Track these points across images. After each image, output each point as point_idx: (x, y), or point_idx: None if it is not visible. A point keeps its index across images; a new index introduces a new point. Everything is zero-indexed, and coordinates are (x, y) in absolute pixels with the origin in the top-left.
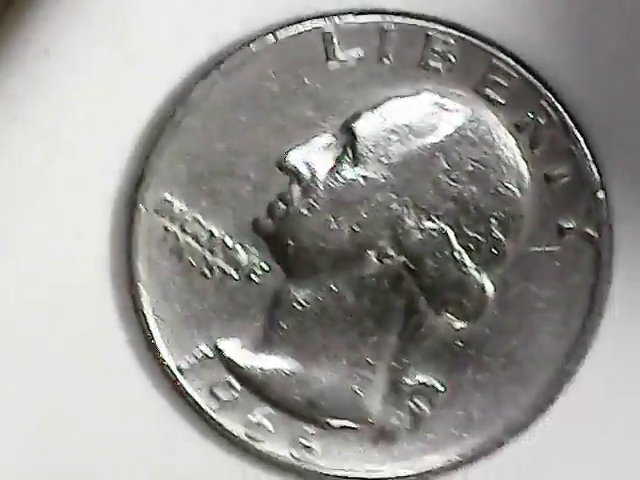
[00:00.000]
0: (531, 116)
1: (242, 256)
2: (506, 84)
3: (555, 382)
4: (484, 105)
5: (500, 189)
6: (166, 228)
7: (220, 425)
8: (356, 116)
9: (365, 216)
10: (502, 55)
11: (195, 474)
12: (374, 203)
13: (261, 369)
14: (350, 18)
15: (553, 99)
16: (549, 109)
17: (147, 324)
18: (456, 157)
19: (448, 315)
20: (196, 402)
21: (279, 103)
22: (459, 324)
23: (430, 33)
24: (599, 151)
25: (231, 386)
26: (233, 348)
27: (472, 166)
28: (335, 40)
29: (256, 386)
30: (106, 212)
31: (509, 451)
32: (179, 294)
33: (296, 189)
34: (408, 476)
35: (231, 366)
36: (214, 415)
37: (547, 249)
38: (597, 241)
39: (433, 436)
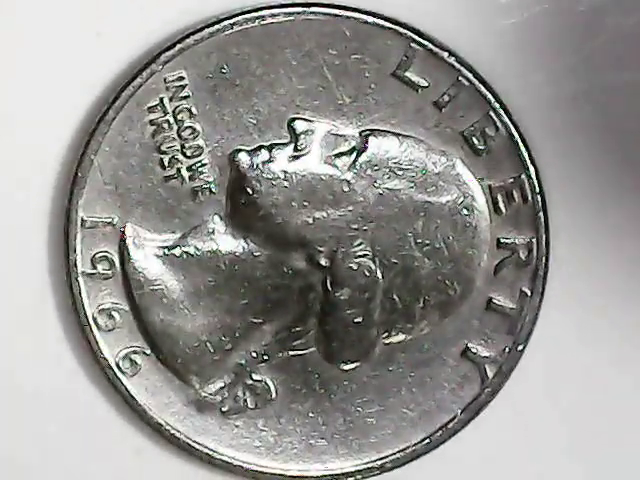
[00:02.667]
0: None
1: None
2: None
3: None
4: (482, 194)
5: (448, 282)
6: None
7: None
8: (377, 131)
9: (324, 217)
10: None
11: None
12: (341, 212)
13: (154, 282)
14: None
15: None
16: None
17: None
18: (433, 228)
19: (333, 345)
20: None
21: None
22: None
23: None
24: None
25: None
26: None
27: (441, 244)
28: None
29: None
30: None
31: None
32: None
33: (288, 149)
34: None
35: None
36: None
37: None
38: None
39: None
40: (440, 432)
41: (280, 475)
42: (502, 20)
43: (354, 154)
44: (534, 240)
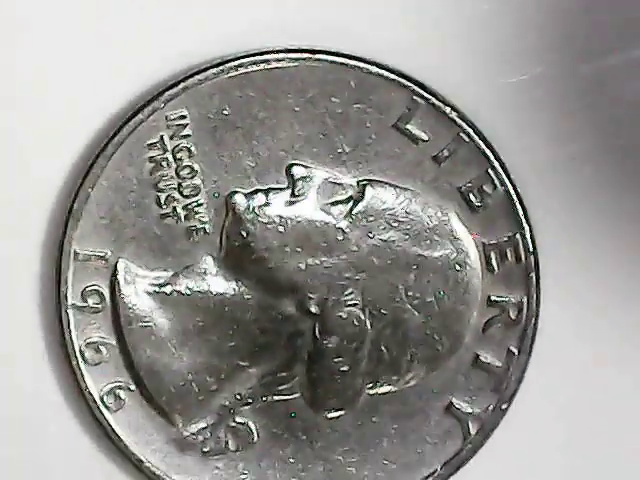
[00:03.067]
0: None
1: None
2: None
3: None
4: (475, 250)
5: (436, 336)
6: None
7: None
8: (374, 182)
9: (317, 264)
10: None
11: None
12: (334, 260)
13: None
14: None
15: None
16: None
17: None
18: (425, 281)
19: (319, 392)
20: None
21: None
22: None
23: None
24: None
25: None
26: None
27: (432, 299)
28: None
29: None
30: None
31: None
32: None
33: (285, 194)
34: None
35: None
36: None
37: None
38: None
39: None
40: None
41: None
42: (505, 78)
43: (350, 203)
44: (524, 300)
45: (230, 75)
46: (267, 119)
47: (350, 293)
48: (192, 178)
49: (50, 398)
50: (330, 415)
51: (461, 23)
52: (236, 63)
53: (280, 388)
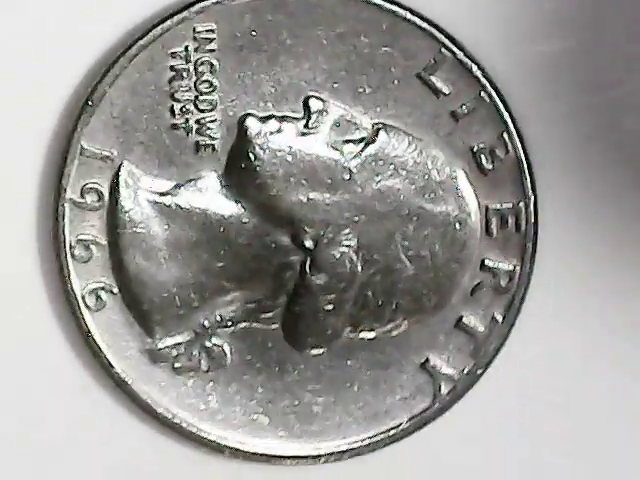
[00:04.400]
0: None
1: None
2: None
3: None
4: (477, 212)
5: (424, 291)
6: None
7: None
8: (389, 127)
9: (319, 200)
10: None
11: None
12: (336, 198)
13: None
14: None
15: None
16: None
17: None
18: (422, 234)
19: (298, 327)
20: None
21: None
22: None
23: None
24: None
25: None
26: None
27: (427, 252)
28: None
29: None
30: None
31: None
32: None
33: (299, 125)
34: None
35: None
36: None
37: None
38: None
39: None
40: (382, 436)
41: (216, 442)
42: (536, 46)
43: (362, 144)
44: (517, 269)
45: None
46: (293, 47)
47: (347, 234)
48: (210, 93)
49: (31, 287)
50: (306, 351)
51: None
52: None
53: (261, 316)
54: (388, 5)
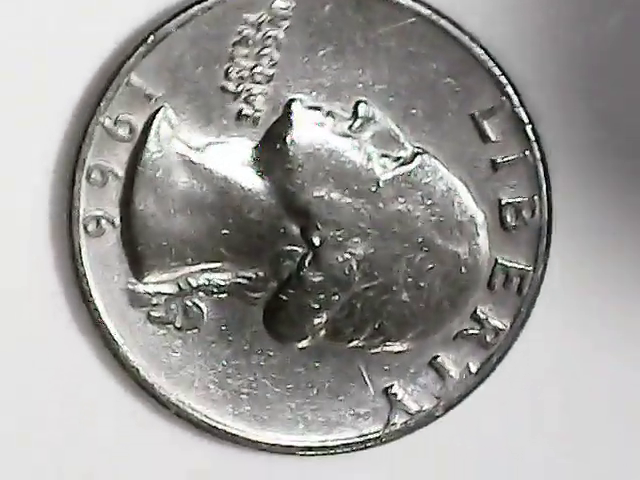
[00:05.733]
0: None
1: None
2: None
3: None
4: (487, 265)
5: (410, 321)
6: None
7: None
8: (429, 154)
9: (339, 201)
10: None
11: None
12: (357, 206)
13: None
14: None
15: None
16: None
17: None
18: (427, 267)
19: (279, 314)
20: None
21: None
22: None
23: None
24: None
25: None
26: None
27: (425, 285)
28: None
29: None
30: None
31: None
32: None
33: (343, 125)
34: None
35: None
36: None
37: None
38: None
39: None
40: (324, 444)
41: (166, 400)
42: (593, 132)
43: (397, 162)
44: (506, 329)
45: None
46: (362, 50)
47: (355, 242)
48: (268, 67)
49: (39, 204)
50: (278, 340)
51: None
52: None
53: (247, 294)
54: (466, 40)
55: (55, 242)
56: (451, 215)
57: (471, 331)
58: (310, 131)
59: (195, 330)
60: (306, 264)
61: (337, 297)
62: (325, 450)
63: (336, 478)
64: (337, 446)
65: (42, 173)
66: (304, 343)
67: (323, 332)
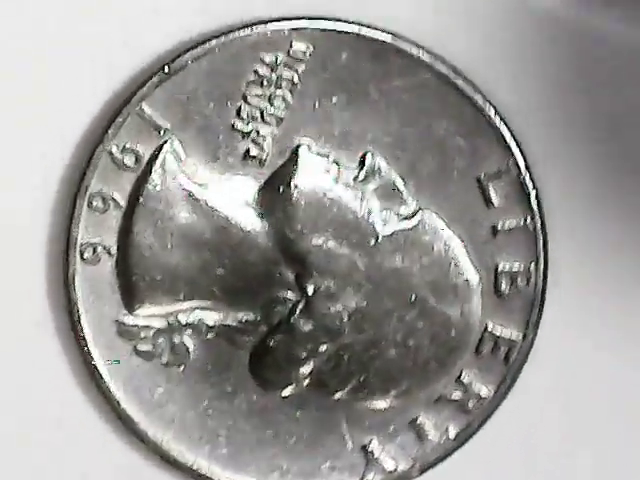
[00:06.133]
0: None
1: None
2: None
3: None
4: (477, 330)
5: (394, 379)
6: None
7: None
8: (432, 212)
9: (337, 251)
10: None
11: None
12: (354, 258)
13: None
14: None
15: None
16: None
17: None
18: (417, 326)
19: (265, 360)
20: None
21: None
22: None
23: None
24: None
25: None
26: None
27: (412, 344)
28: None
29: None
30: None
31: None
32: None
33: (348, 175)
34: None
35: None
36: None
37: None
38: None
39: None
40: None
41: (144, 435)
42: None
43: (399, 217)
44: (489, 397)
45: (375, 44)
46: (376, 101)
47: (349, 294)
48: (280, 109)
49: (36, 225)
50: (262, 386)
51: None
52: (386, 37)
53: (236, 337)
54: (479, 99)
55: (50, 266)
56: (447, 276)
57: (454, 395)
58: (315, 178)
59: (180, 367)
60: (297, 312)
61: (325, 347)
62: None
63: None
64: None
65: (43, 196)
66: (288, 391)
67: (307, 381)
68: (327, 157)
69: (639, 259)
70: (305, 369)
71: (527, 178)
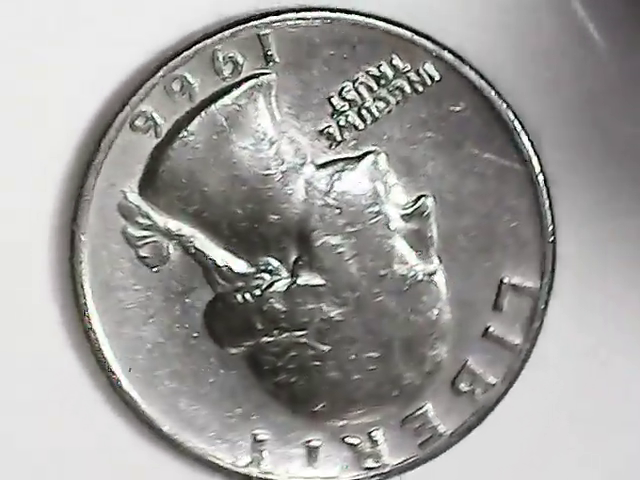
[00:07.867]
0: None
1: None
2: None
3: None
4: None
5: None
6: None
7: None
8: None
9: (344, 259)
10: None
11: None
12: (356, 276)
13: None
14: None
15: None
16: None
17: None
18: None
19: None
20: None
21: None
22: None
23: None
24: None
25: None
26: None
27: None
28: None
29: None
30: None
31: None
32: None
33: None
34: None
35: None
36: None
37: None
38: None
39: None
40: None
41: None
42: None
43: (415, 269)
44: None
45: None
46: (462, 161)
47: (331, 304)
48: (379, 111)
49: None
50: (210, 333)
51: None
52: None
53: (213, 273)
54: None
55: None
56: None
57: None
58: (367, 185)
59: (154, 269)
60: (277, 289)
61: (281, 335)
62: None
63: None
64: None
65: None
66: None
67: (245, 351)
68: (386, 174)
69: None
70: (250, 341)
71: (545, 293)
